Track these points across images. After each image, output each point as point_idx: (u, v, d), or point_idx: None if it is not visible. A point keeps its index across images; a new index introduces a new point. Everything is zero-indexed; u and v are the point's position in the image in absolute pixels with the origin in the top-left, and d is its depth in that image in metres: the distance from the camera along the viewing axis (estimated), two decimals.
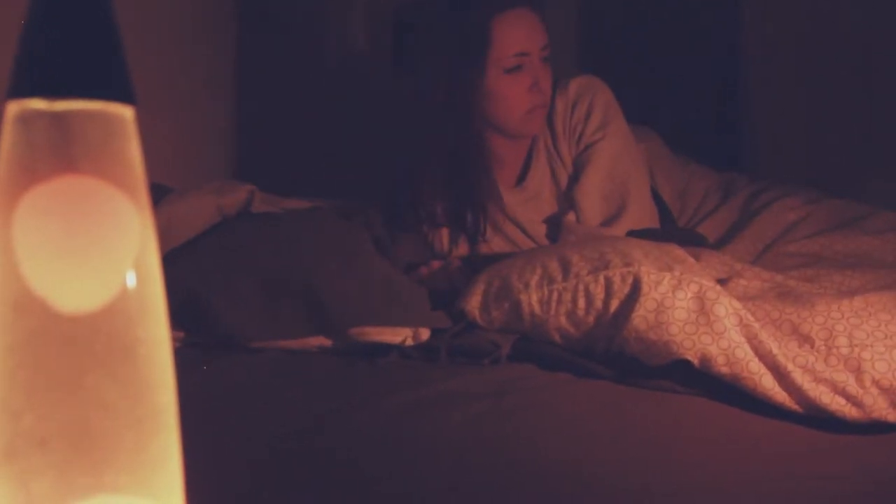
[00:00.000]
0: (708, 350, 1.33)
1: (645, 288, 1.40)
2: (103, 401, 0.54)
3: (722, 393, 1.34)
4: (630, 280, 1.43)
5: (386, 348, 1.59)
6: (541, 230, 1.94)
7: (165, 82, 2.32)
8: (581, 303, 1.48)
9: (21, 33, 0.54)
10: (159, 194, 1.91)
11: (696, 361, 1.34)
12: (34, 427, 0.53)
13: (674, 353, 1.36)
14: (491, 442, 1.24)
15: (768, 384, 1.30)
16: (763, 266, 1.67)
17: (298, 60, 2.72)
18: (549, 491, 1.11)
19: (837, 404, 1.26)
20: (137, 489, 0.55)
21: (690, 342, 1.35)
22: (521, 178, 1.99)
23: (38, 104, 0.53)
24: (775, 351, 1.30)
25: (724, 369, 1.32)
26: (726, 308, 1.35)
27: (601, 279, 1.46)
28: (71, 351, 0.53)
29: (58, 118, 0.54)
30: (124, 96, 0.55)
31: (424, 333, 1.61)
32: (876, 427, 1.25)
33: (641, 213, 1.89)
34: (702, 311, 1.36)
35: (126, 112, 0.56)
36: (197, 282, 1.68)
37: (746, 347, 1.32)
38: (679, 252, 1.52)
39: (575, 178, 1.94)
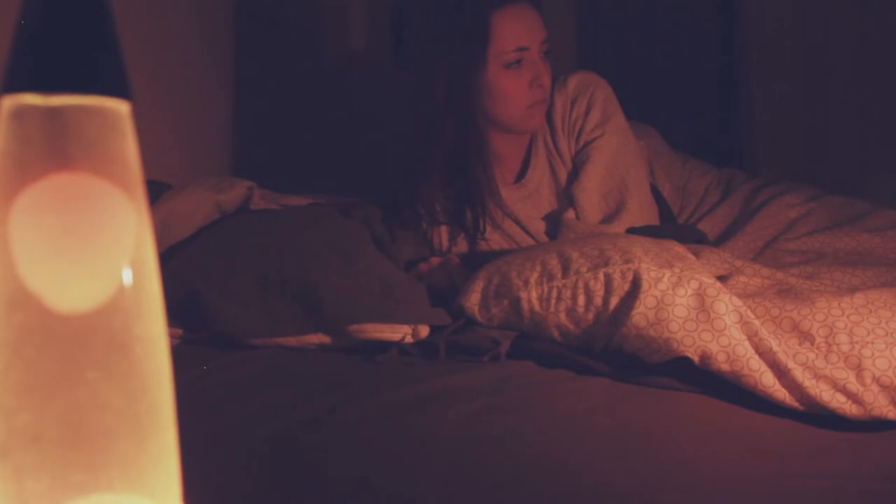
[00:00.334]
0: (708, 347, 1.33)
1: (645, 285, 1.40)
2: (99, 398, 0.53)
3: (722, 390, 1.34)
4: (630, 277, 1.42)
5: (385, 345, 1.59)
6: (540, 227, 1.94)
7: (163, 78, 2.31)
8: (581, 300, 1.47)
9: (16, 27, 0.53)
10: (157, 191, 1.91)
11: (696, 359, 1.34)
12: (28, 424, 0.52)
13: (674, 350, 1.36)
14: (489, 439, 1.24)
15: (768, 381, 1.29)
16: (763, 263, 1.67)
17: (297, 56, 2.72)
18: (548, 488, 1.11)
19: (838, 402, 1.26)
20: (134, 487, 0.54)
21: (690, 339, 1.34)
22: (521, 175, 1.99)
23: (32, 99, 0.53)
24: (775, 348, 1.30)
25: (725, 366, 1.32)
26: (726, 305, 1.35)
27: (601, 276, 1.46)
28: (66, 348, 0.53)
29: (53, 113, 0.53)
30: (120, 91, 0.55)
31: (424, 330, 1.61)
32: (876, 424, 1.25)
33: (641, 211, 1.89)
34: (702, 308, 1.36)
35: (122, 107, 0.56)
36: (195, 278, 1.68)
37: (747, 345, 1.32)
38: (679, 249, 1.52)
39: (574, 175, 1.94)
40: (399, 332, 1.60)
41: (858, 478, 1.12)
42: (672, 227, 1.92)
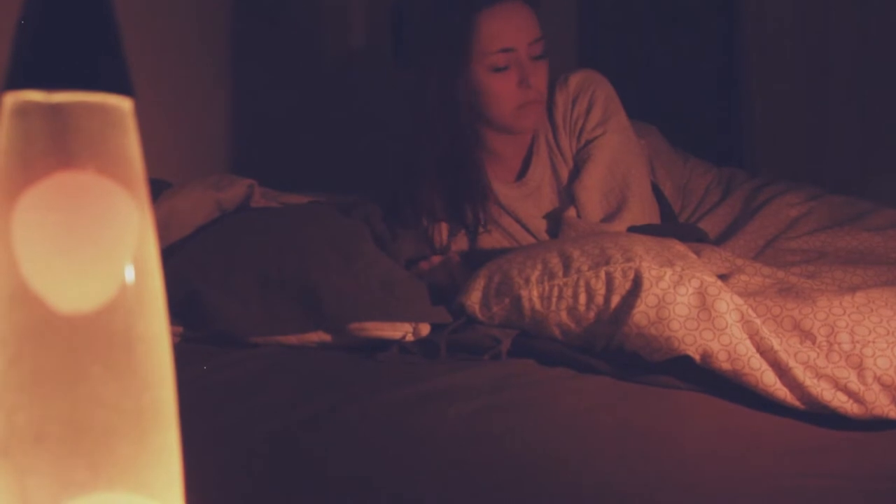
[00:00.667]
0: (709, 346, 1.33)
1: (646, 283, 1.40)
2: (101, 396, 0.53)
3: (723, 389, 1.34)
4: (631, 275, 1.42)
5: (386, 344, 1.59)
6: (541, 225, 1.94)
7: (163, 77, 2.31)
8: (582, 298, 1.47)
9: (18, 24, 0.53)
10: (158, 189, 1.91)
11: (697, 357, 1.34)
12: (30, 423, 0.52)
13: (675, 348, 1.36)
14: (490, 438, 1.23)
15: (770, 380, 1.29)
16: (764, 262, 1.67)
17: (297, 55, 2.72)
18: (548, 487, 1.10)
19: (839, 401, 1.25)
20: (136, 486, 0.54)
21: (692, 338, 1.34)
22: (522, 173, 1.99)
23: (35, 96, 0.53)
24: (777, 347, 1.29)
25: (726, 365, 1.32)
26: (728, 304, 1.34)
27: (602, 275, 1.45)
28: (68, 345, 0.53)
29: (55, 110, 0.53)
30: (123, 88, 0.55)
31: (424, 329, 1.61)
32: (877, 424, 1.25)
33: (642, 209, 1.88)
34: (703, 306, 1.35)
35: (125, 104, 0.55)
36: (196, 277, 1.68)
37: (748, 343, 1.31)
38: (680, 248, 1.52)
39: (575, 173, 1.94)
40: (400, 331, 1.60)
41: (859, 477, 1.12)
42: (673, 226, 1.92)
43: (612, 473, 1.13)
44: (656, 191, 2.00)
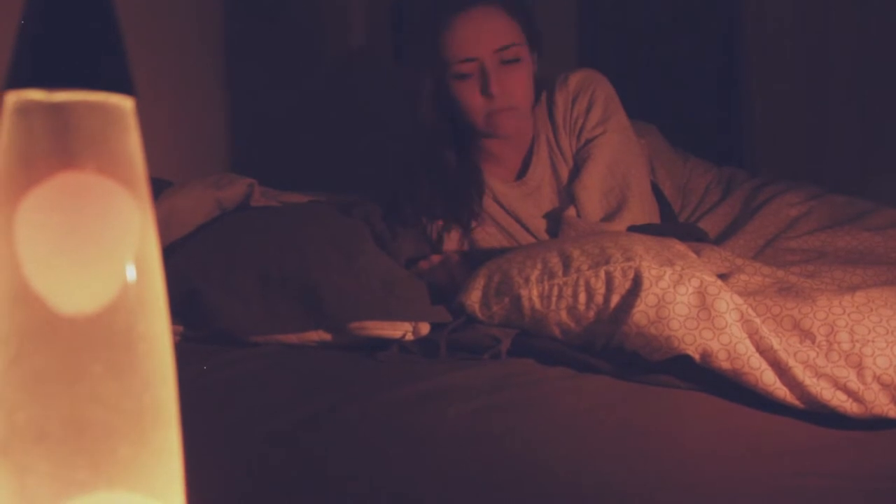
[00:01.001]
0: (709, 345, 1.33)
1: (646, 283, 1.40)
2: (102, 395, 0.53)
3: (723, 388, 1.34)
4: (631, 275, 1.42)
5: (386, 343, 1.59)
6: (541, 225, 1.94)
7: (163, 76, 2.31)
8: (582, 298, 1.47)
9: (20, 23, 0.53)
10: (158, 188, 1.91)
11: (696, 357, 1.34)
12: (31, 422, 0.52)
13: (674, 348, 1.36)
14: (490, 437, 1.23)
15: (769, 380, 1.29)
16: (764, 262, 1.67)
17: (297, 54, 2.72)
18: (548, 487, 1.10)
19: (838, 400, 1.25)
20: (137, 485, 0.54)
21: (691, 337, 1.34)
22: (522, 173, 1.99)
23: (36, 95, 0.53)
24: (776, 346, 1.29)
25: (726, 365, 1.32)
26: (728, 303, 1.34)
27: (602, 274, 1.45)
28: (69, 345, 0.53)
29: (57, 109, 0.53)
30: (124, 87, 0.55)
31: (424, 328, 1.61)
32: (877, 423, 1.25)
33: (642, 209, 1.89)
34: (703, 306, 1.35)
35: (126, 103, 0.55)
36: (196, 276, 1.68)
37: (748, 343, 1.31)
38: (680, 247, 1.52)
39: (575, 173, 1.94)
40: (400, 330, 1.60)
41: (859, 476, 1.12)
42: (673, 226, 1.92)
43: (611, 473, 1.13)
44: (656, 190, 2.00)
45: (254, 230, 1.80)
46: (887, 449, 1.20)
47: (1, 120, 0.54)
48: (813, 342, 1.30)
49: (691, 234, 1.81)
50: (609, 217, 1.87)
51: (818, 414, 1.27)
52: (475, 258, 1.77)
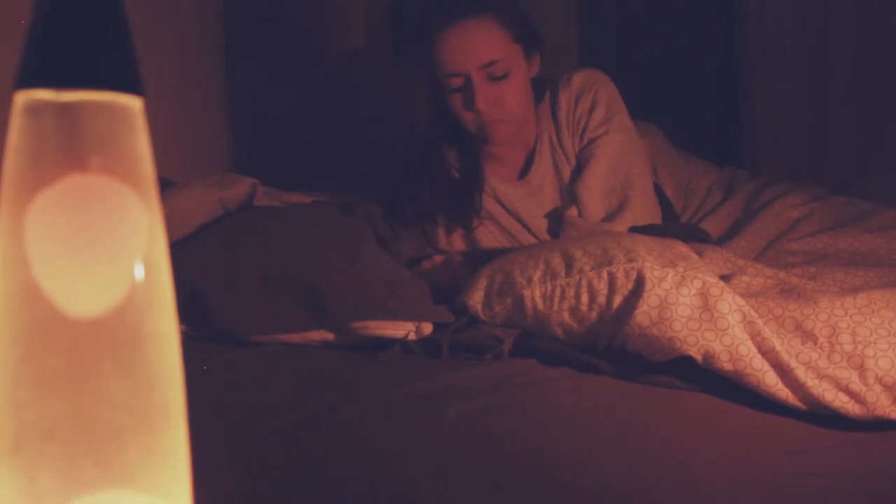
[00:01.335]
0: (711, 347, 1.33)
1: (648, 284, 1.40)
2: (111, 394, 0.53)
3: (724, 389, 1.34)
4: (633, 276, 1.42)
5: (388, 342, 1.59)
6: (542, 224, 1.94)
7: (164, 76, 2.31)
8: (584, 298, 1.47)
9: (29, 23, 0.53)
10: (160, 187, 1.91)
11: (698, 358, 1.34)
12: (40, 420, 0.52)
13: (677, 349, 1.36)
14: (490, 437, 1.23)
15: (771, 381, 1.29)
16: (766, 263, 1.67)
17: (297, 54, 2.72)
18: (548, 487, 1.10)
19: (840, 401, 1.25)
20: (144, 484, 0.54)
21: (693, 339, 1.34)
22: (525, 172, 1.99)
23: (45, 94, 0.53)
24: (778, 348, 1.29)
25: (728, 366, 1.32)
26: (730, 304, 1.34)
27: (604, 275, 1.46)
28: (78, 343, 0.53)
29: (65, 109, 0.53)
30: (132, 87, 0.55)
31: (427, 328, 1.61)
32: (879, 424, 1.25)
33: (644, 209, 1.89)
34: (705, 307, 1.36)
35: (134, 103, 0.55)
36: (198, 276, 1.68)
37: (749, 344, 1.31)
38: (682, 248, 1.52)
39: (578, 172, 1.94)
40: (402, 330, 1.60)
41: (861, 477, 1.11)
42: (675, 227, 1.92)
43: (611, 473, 1.13)
44: (658, 191, 2.00)
45: (255, 230, 1.80)
46: (889, 450, 1.20)
47: (10, 119, 0.54)
48: (815, 344, 1.30)
49: (693, 235, 1.81)
50: (611, 217, 1.87)
51: (819, 415, 1.27)
52: (477, 258, 1.77)
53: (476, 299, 1.59)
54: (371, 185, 2.06)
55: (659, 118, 2.32)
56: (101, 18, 0.54)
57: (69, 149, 0.53)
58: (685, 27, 2.77)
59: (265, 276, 1.67)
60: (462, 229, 1.94)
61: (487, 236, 1.95)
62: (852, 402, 1.25)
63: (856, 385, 1.25)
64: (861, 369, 1.26)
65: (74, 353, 0.53)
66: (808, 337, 1.31)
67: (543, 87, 1.98)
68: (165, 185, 1.96)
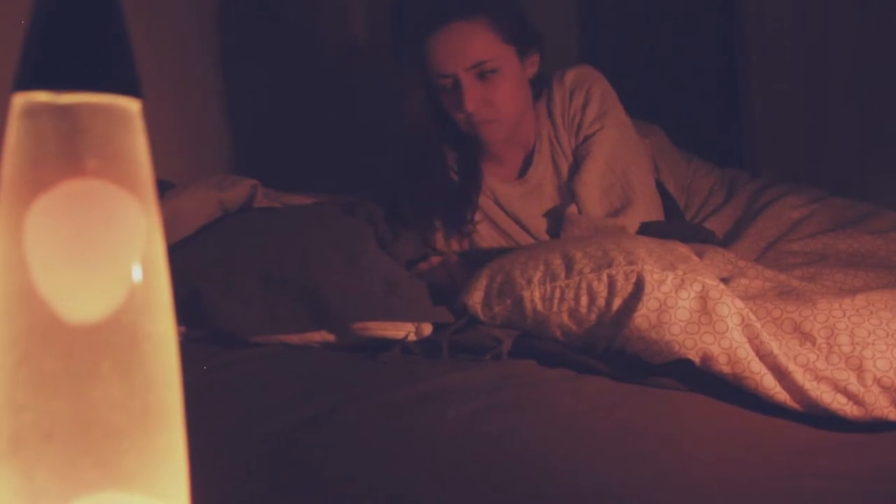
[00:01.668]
0: (709, 349, 1.33)
1: (648, 287, 1.40)
2: (109, 395, 0.53)
3: (723, 391, 1.34)
4: (633, 279, 1.42)
5: (388, 343, 1.59)
6: (541, 224, 1.94)
7: (164, 77, 2.31)
8: (584, 300, 1.47)
9: (27, 25, 0.53)
10: (161, 189, 1.91)
11: (697, 360, 1.34)
12: (39, 421, 0.52)
13: (675, 352, 1.36)
14: (489, 438, 1.23)
15: (769, 384, 1.29)
16: (766, 264, 1.67)
17: (297, 54, 2.72)
18: (546, 488, 1.11)
19: (839, 403, 1.25)
20: (143, 485, 0.54)
21: (692, 341, 1.34)
22: (524, 171, 1.99)
23: (43, 96, 0.53)
24: (776, 351, 1.29)
25: (726, 368, 1.32)
26: (729, 308, 1.35)
27: (604, 277, 1.46)
28: (76, 345, 0.53)
29: (64, 111, 0.53)
30: (131, 90, 0.55)
31: (427, 329, 1.61)
32: (877, 426, 1.25)
33: (646, 203, 1.88)
34: (704, 310, 1.36)
35: (132, 105, 0.55)
36: (198, 277, 1.68)
37: (748, 347, 1.31)
38: (683, 250, 1.52)
39: (575, 170, 1.94)
40: (402, 330, 1.60)
41: (859, 479, 1.12)
42: (679, 226, 1.92)
43: (610, 474, 1.13)
44: (660, 187, 2.00)
45: (254, 231, 1.80)
46: (887, 451, 1.20)
47: (9, 121, 0.54)
48: (813, 345, 1.30)
49: (697, 235, 1.81)
50: (613, 213, 1.87)
51: (818, 416, 1.28)
52: (474, 259, 1.77)
53: (476, 300, 1.60)
54: (371, 186, 2.06)
55: (659, 118, 2.31)
56: (100, 20, 0.54)
57: (67, 151, 0.53)
58: (685, 27, 2.77)
59: (265, 277, 1.67)
60: (459, 230, 1.94)
61: (485, 237, 1.95)
62: (850, 403, 1.25)
63: (854, 386, 1.25)
64: (859, 370, 1.26)
65: (72, 355, 0.53)
66: (807, 338, 1.31)
67: (541, 86, 1.98)
68: (165, 187, 1.96)
